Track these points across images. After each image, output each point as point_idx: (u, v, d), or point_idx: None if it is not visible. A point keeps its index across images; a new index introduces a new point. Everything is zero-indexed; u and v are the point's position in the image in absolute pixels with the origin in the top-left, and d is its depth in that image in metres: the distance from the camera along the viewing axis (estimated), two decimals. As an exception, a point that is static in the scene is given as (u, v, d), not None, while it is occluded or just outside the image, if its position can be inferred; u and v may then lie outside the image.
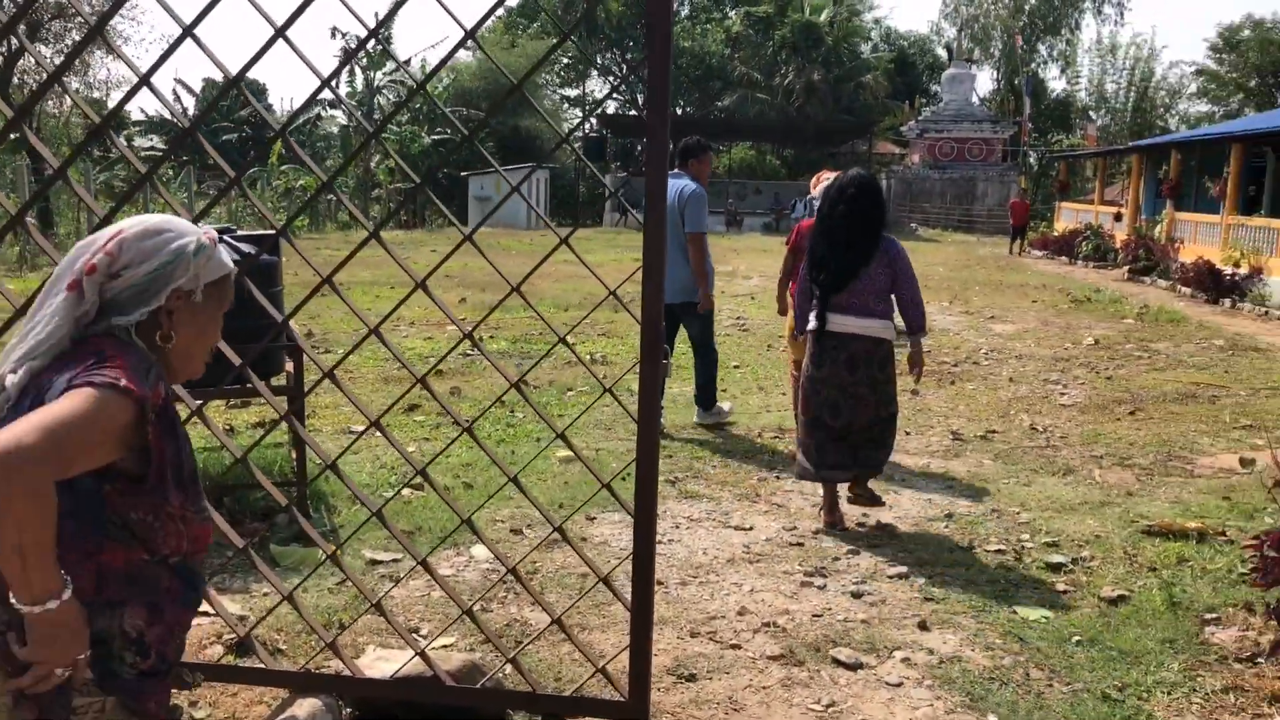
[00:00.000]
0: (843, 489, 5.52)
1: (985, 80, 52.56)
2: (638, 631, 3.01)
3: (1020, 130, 43.02)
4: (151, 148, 35.80)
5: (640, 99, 44.68)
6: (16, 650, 1.63)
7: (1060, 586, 4.56)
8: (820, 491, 5.52)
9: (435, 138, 38.84)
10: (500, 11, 53.37)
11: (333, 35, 39.47)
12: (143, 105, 43.53)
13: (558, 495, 5.60)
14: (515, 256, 19.49)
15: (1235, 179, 20.72)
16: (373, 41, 2.95)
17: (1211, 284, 17.31)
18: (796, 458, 5.54)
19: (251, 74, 46.68)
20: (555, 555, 4.75)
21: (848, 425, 5.23)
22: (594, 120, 40.80)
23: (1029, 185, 39.90)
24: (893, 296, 5.25)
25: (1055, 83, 53.57)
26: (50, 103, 23.87)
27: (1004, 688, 3.62)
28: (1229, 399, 8.82)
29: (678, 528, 5.26)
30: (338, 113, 40.73)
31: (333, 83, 2.99)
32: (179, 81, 41.35)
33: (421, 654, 3.10)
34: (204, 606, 2.58)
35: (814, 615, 4.21)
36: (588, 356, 9.99)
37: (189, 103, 39.90)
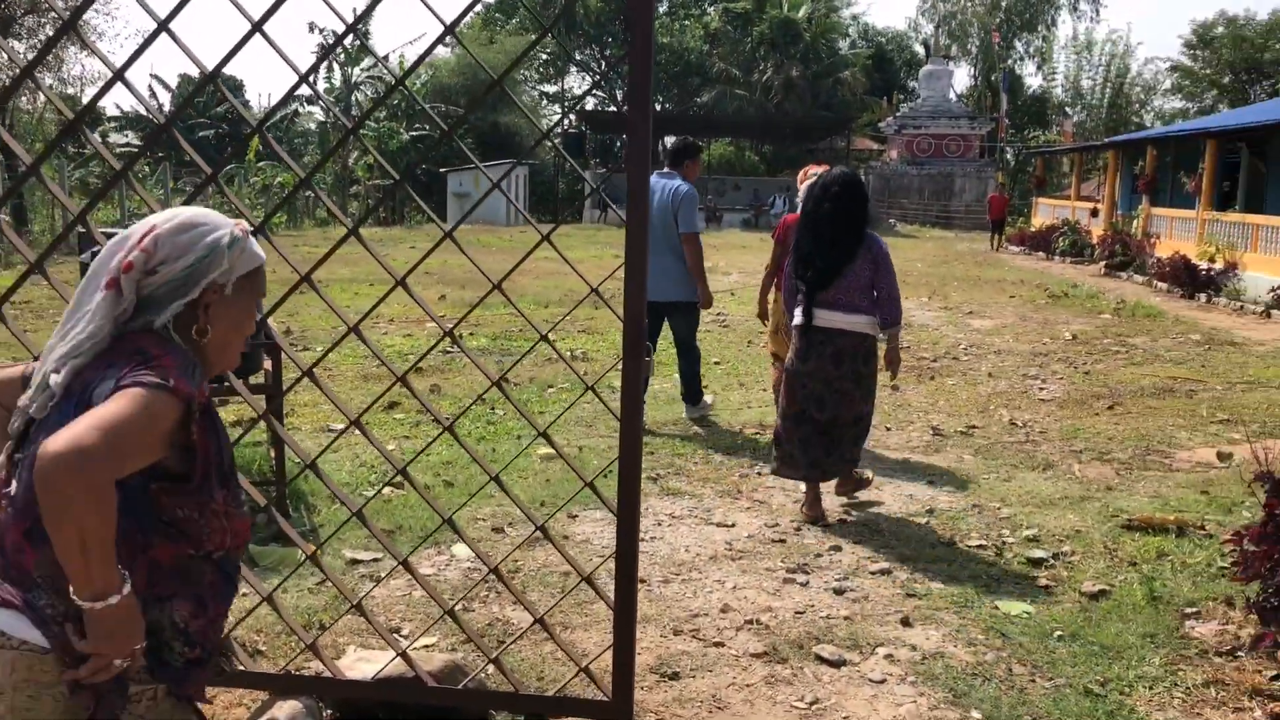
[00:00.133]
0: (829, 484, 5.59)
1: (963, 76, 52.93)
2: (621, 631, 2.99)
3: (997, 126, 43.24)
4: (127, 144, 35.46)
5: (619, 95, 44.66)
6: (76, 642, 1.66)
7: (1041, 581, 4.57)
8: (802, 487, 5.54)
9: (414, 134, 38.68)
10: (479, 8, 53.05)
11: (311, 30, 39.25)
12: (118, 101, 43.08)
13: (539, 493, 5.58)
14: (495, 253, 19.43)
15: (1210, 174, 20.87)
16: (350, 37, 2.92)
17: (1187, 279, 17.43)
18: (773, 453, 5.56)
19: (229, 70, 46.29)
20: (537, 554, 4.73)
21: (832, 420, 5.29)
22: (573, 116, 40.74)
23: (1006, 181, 40.08)
24: (874, 292, 5.30)
25: (1032, 79, 53.99)
26: (24, 98, 23.62)
27: (987, 683, 3.62)
28: (1206, 393, 8.88)
29: (660, 525, 5.25)
30: (315, 109, 40.48)
31: (310, 78, 2.95)
32: (155, 78, 41.08)
33: (403, 654, 3.07)
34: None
35: (797, 612, 4.20)
36: (568, 353, 9.97)
37: (165, 99, 39.58)
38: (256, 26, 2.92)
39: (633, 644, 3.02)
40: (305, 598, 4.15)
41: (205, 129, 38.02)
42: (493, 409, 7.42)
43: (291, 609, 3.93)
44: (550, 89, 52.14)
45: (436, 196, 35.70)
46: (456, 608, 3.57)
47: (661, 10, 49.43)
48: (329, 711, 3.26)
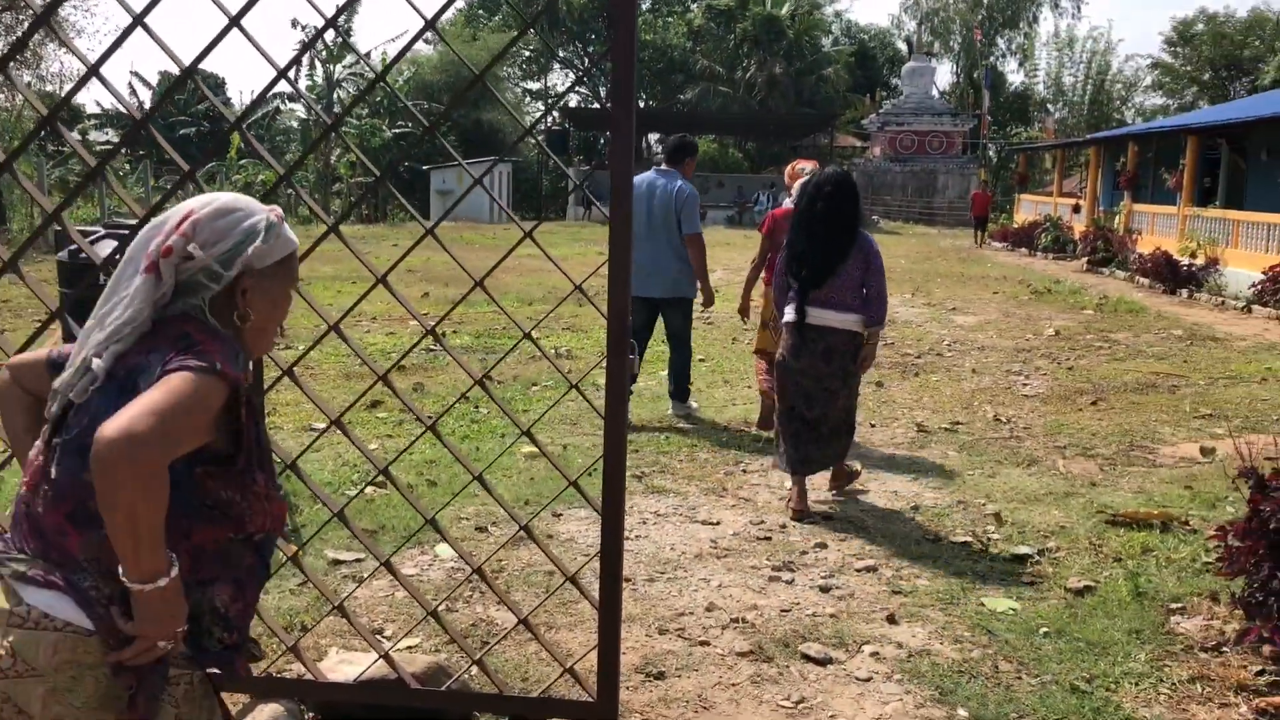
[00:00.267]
0: (821, 482, 5.67)
1: (945, 73, 53.06)
2: (606, 631, 2.96)
3: (980, 123, 43.36)
4: (108, 142, 35.17)
5: (603, 92, 44.59)
6: (121, 624, 1.68)
7: (1027, 578, 4.56)
8: (787, 484, 5.55)
9: (397, 131, 38.52)
10: (461, 4, 52.69)
11: (293, 26, 39.05)
12: (99, 99, 42.81)
13: (523, 492, 5.55)
14: (479, 250, 19.37)
15: (1191, 171, 20.99)
16: (333, 34, 2.88)
17: (1169, 274, 17.51)
18: (776, 445, 5.67)
19: (210, 68, 46.16)
20: (521, 553, 4.69)
21: (821, 416, 5.38)
22: (556, 113, 40.65)
23: (989, 178, 40.23)
24: (864, 290, 5.37)
25: (1014, 76, 54.12)
26: (1, 95, 23.41)
27: (973, 680, 3.61)
28: (1188, 388, 8.92)
29: (644, 523, 5.22)
30: (297, 106, 40.26)
31: (290, 75, 2.91)
32: (135, 75, 40.75)
33: (385, 656, 3.04)
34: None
35: (782, 610, 4.18)
36: (552, 351, 9.93)
37: (146, 96, 39.32)
38: (234, 21, 2.87)
39: (618, 644, 3.00)
40: (287, 599, 4.11)
41: (186, 126, 37.79)
42: (476, 407, 7.38)
43: (273, 610, 3.89)
44: (534, 86, 52.07)
45: (420, 194, 35.58)
46: (440, 608, 3.53)
47: (644, 7, 49.39)
48: (311, 715, 3.22)
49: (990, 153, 46.90)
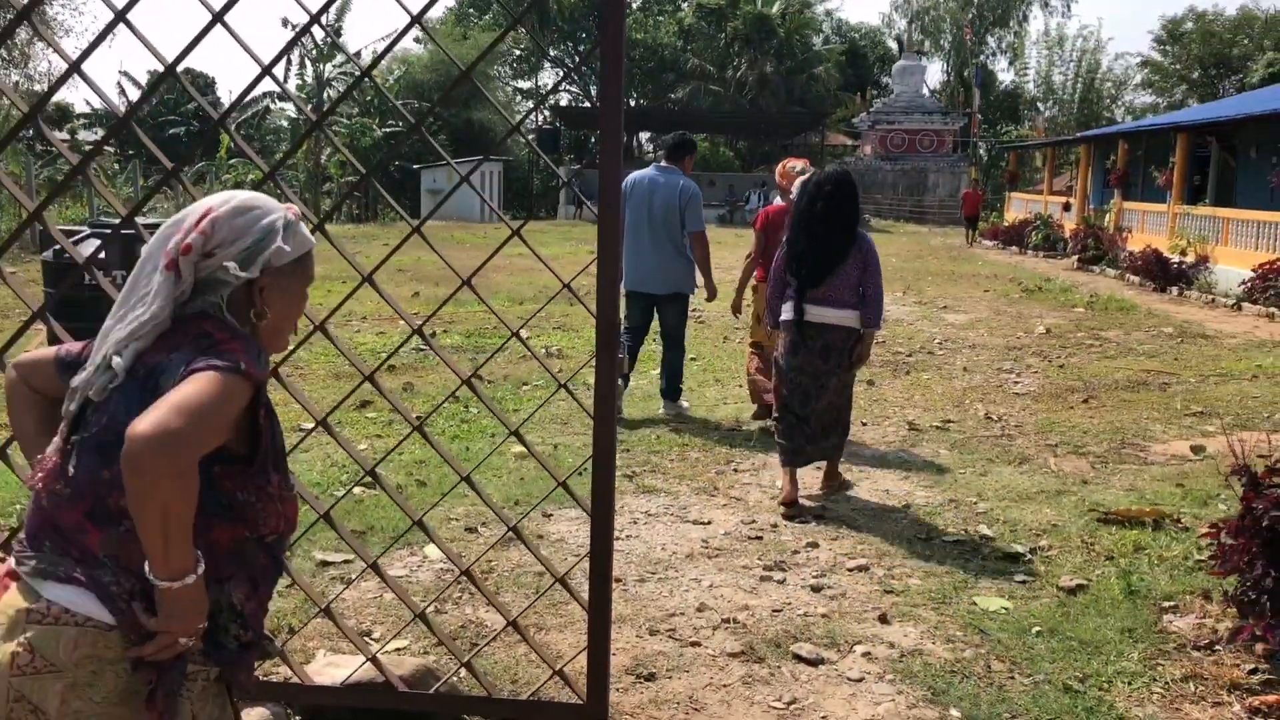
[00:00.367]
0: (813, 481, 5.65)
1: (935, 72, 53.12)
2: (596, 633, 2.94)
3: (970, 121, 43.40)
4: (95, 141, 35.04)
5: (594, 91, 44.52)
6: (144, 620, 1.68)
7: (1019, 576, 4.55)
8: (779, 483, 5.57)
9: (387, 130, 38.43)
10: (451, 2, 52.49)
11: (284, 25, 38.89)
12: (88, 98, 42.57)
13: (513, 492, 5.52)
14: (469, 250, 19.31)
15: (1181, 168, 21.03)
16: (321, 32, 2.85)
17: (1159, 272, 17.54)
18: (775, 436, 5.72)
19: (200, 67, 46.07)
20: (511, 553, 4.66)
21: (815, 412, 5.46)
22: (547, 112, 40.60)
23: (979, 176, 40.26)
24: (861, 289, 5.42)
25: (1004, 74, 54.17)
26: (-11, 95, 23.26)
27: (965, 680, 3.59)
28: (1179, 386, 8.92)
29: (635, 523, 5.19)
30: (287, 106, 40.16)
31: (275, 71, 2.88)
32: (124, 74, 40.60)
33: (373, 659, 3.01)
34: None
35: (774, 610, 4.16)
36: (543, 350, 9.90)
37: (135, 96, 39.11)
38: (218, 17, 2.84)
39: (608, 646, 2.97)
40: (273, 601, 4.05)
41: (176, 125, 37.66)
42: (466, 407, 7.35)
43: (260, 613, 3.85)
44: (525, 85, 51.96)
45: (411, 193, 35.50)
46: (429, 610, 3.50)
47: (635, 6, 49.36)
48: (297, 718, 3.19)
49: (981, 151, 46.97)
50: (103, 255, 4.75)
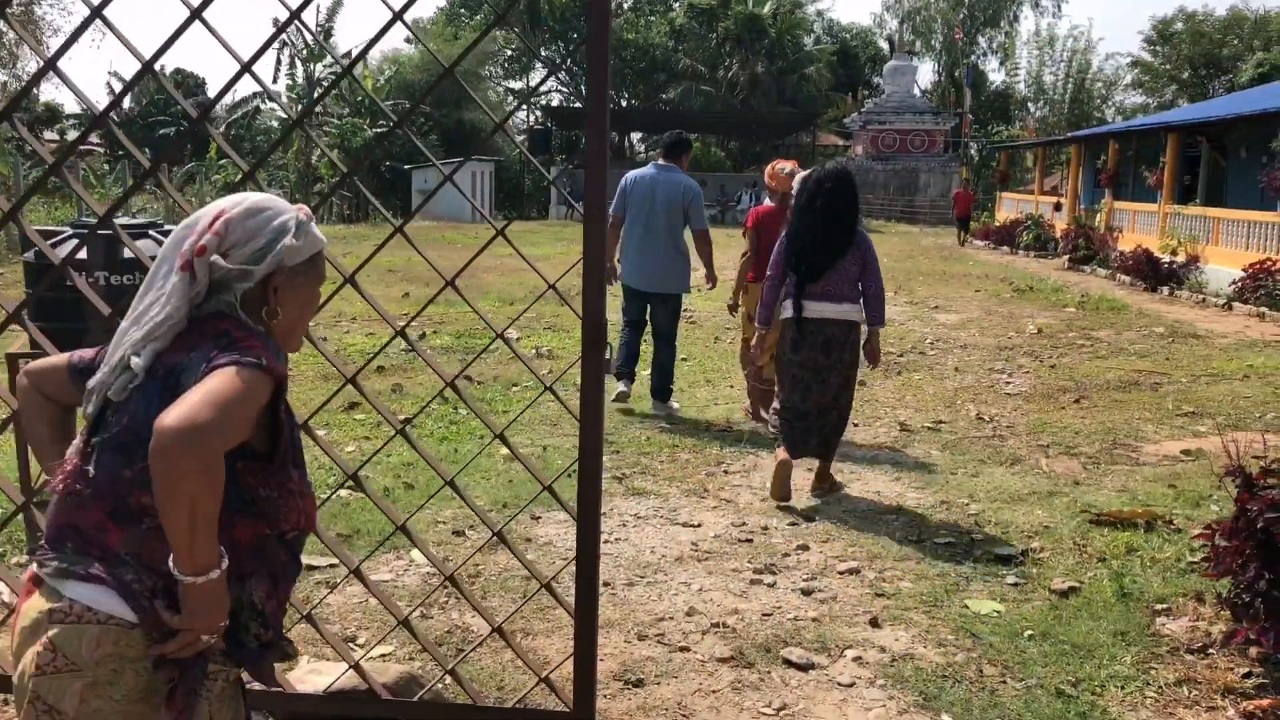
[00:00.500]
0: (803, 482, 5.68)
1: (927, 72, 53.09)
2: (582, 639, 2.89)
3: (961, 122, 43.40)
4: (86, 141, 34.88)
5: (585, 91, 44.40)
6: (167, 617, 1.68)
7: (1011, 579, 4.51)
8: (769, 485, 5.56)
9: (379, 130, 38.31)
10: (442, 2, 52.27)
11: (274, 26, 38.74)
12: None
13: (502, 494, 5.47)
14: (460, 250, 19.23)
15: (1171, 168, 21.04)
16: (303, 29, 2.80)
17: (1150, 272, 17.54)
18: (775, 423, 5.85)
19: (191, 67, 45.83)
20: (499, 557, 4.61)
21: (815, 407, 5.52)
22: (539, 112, 40.49)
23: (970, 176, 40.28)
24: (860, 285, 5.54)
25: (995, 74, 54.14)
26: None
27: (957, 685, 3.55)
28: (1171, 386, 8.90)
29: (625, 526, 5.15)
30: (278, 106, 39.99)
31: (266, 71, 2.83)
32: (113, 74, 40.44)
33: (355, 666, 2.96)
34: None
35: (764, 614, 4.11)
36: (533, 351, 9.85)
37: (126, 96, 38.83)
38: (195, 14, 2.79)
39: (594, 653, 2.93)
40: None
41: (166, 125, 37.47)
42: (455, 409, 7.29)
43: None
44: (516, 85, 51.85)
45: (402, 194, 35.37)
46: (414, 615, 3.45)
47: (626, 6, 49.29)
48: (279, 726, 3.14)
49: (972, 151, 46.98)
50: (84, 256, 4.68)
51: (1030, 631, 3.96)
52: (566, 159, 42.72)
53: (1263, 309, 14.01)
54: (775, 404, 5.78)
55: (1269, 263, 14.95)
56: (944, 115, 42.91)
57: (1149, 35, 49.99)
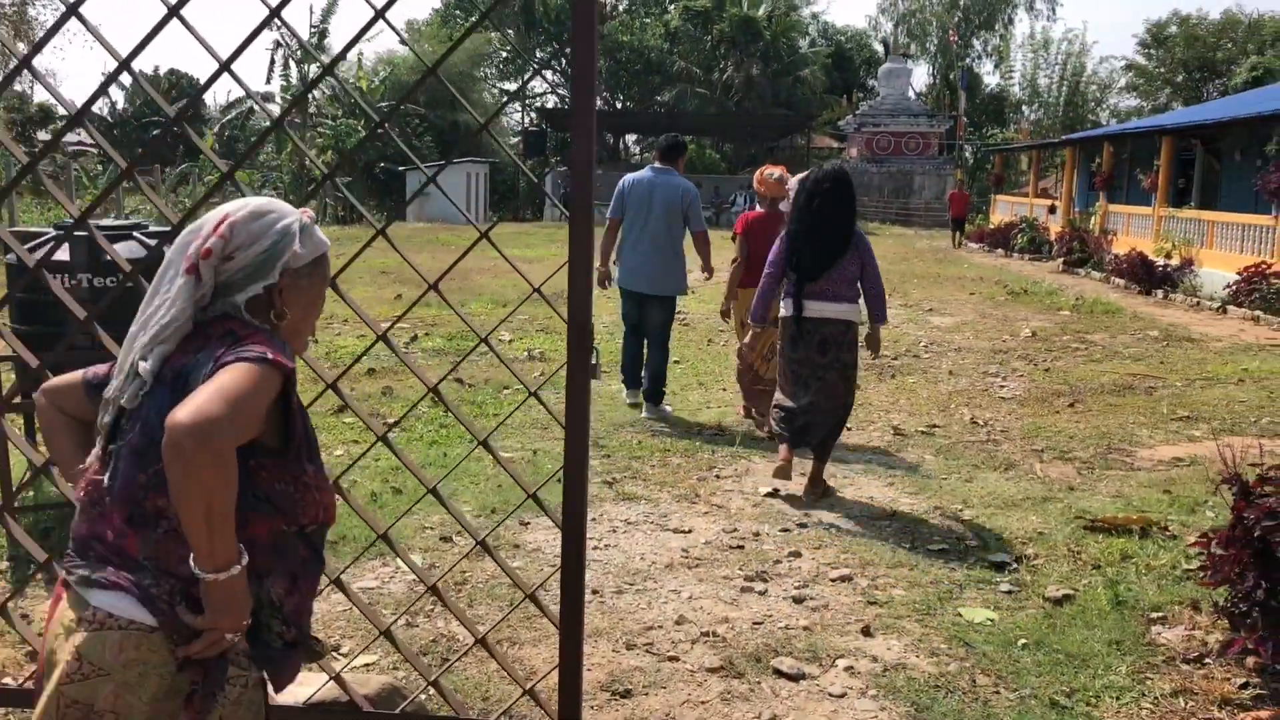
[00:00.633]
0: (795, 487, 5.68)
1: (921, 75, 53.13)
2: (567, 650, 2.83)
3: (956, 124, 43.41)
4: (79, 142, 34.75)
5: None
6: (188, 618, 1.70)
7: (1005, 586, 4.46)
8: (761, 490, 5.62)
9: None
10: (437, 4, 52.16)
11: (274, 27, 38.63)
12: (74, 99, 42.28)
13: (490, 499, 5.40)
14: (454, 252, 19.12)
15: (1166, 171, 21.02)
16: (305, 33, 2.74)
17: (1144, 275, 17.51)
18: (770, 417, 5.95)
19: (185, 68, 45.69)
20: (486, 564, 4.55)
21: (813, 405, 5.56)
22: (534, 114, 40.41)
23: (965, 178, 40.26)
24: (859, 285, 5.62)
25: (990, 77, 54.18)
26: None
27: (950, 696, 3.50)
28: (1165, 390, 8.86)
29: (614, 532, 5.09)
30: (273, 107, 39.87)
31: (260, 72, 2.77)
32: (105, 75, 40.27)
33: (336, 678, 2.90)
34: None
35: (754, 623, 4.06)
36: (524, 353, 9.78)
37: (118, 96, 38.88)
38: (173, 12, 2.74)
39: (579, 665, 2.87)
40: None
41: (158, 126, 37.37)
42: (445, 412, 7.23)
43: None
44: (511, 86, 51.78)
45: (396, 196, 35.29)
46: (399, 624, 3.39)
47: (621, 9, 49.25)
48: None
49: (966, 154, 46.98)
50: (65, 258, 4.62)
51: (1024, 640, 3.91)
52: (561, 160, 42.65)
53: (1257, 312, 13.99)
54: (775, 402, 5.81)
55: (1263, 266, 14.93)
56: (939, 118, 42.91)
57: (1143, 38, 50.04)
